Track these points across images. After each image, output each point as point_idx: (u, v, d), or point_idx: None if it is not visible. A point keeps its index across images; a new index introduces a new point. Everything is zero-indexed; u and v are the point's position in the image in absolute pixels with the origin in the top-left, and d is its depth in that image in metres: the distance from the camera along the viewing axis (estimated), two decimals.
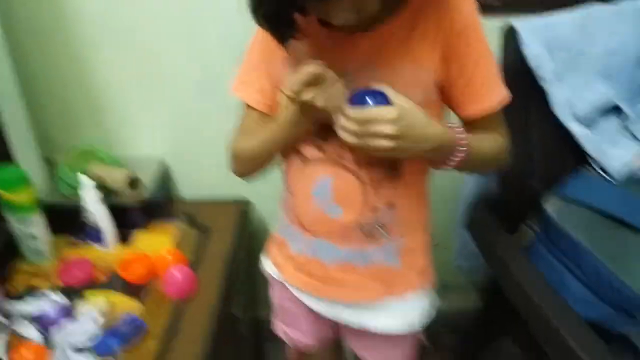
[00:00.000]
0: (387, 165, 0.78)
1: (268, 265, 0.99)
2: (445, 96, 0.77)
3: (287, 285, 0.94)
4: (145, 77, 1.29)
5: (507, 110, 1.06)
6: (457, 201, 1.33)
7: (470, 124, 0.78)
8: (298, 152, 0.82)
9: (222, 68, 1.21)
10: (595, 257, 0.92)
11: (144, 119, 1.36)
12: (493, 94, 0.76)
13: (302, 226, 0.85)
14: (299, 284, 0.92)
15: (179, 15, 1.22)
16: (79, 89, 1.30)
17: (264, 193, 1.40)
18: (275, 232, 0.97)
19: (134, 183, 1.23)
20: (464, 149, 0.72)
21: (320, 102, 0.69)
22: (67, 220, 1.20)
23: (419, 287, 0.89)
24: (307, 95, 0.69)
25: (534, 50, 1.03)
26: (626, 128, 1.06)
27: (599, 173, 1.05)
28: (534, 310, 0.93)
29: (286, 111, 0.75)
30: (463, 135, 0.72)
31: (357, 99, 0.68)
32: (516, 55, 1.04)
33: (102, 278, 1.10)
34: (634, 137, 1.06)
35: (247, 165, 0.87)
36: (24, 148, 1.22)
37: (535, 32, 1.04)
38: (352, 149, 0.74)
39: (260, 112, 0.84)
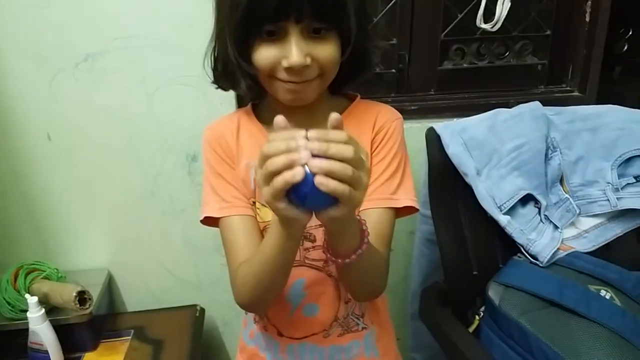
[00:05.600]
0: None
1: None
2: None
3: None
4: (83, 185, 1.30)
5: (439, 205, 1.18)
6: (405, 295, 1.39)
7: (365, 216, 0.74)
8: None
9: (161, 168, 1.28)
10: (541, 341, 0.94)
11: (85, 229, 1.34)
12: (394, 193, 0.77)
13: (279, 332, 0.85)
14: None
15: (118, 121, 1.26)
16: (16, 200, 1.29)
17: (214, 298, 1.40)
18: (242, 343, 0.94)
19: (83, 299, 1.17)
20: (366, 241, 0.66)
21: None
22: (8, 345, 1.14)
23: None
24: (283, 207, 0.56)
25: (455, 149, 1.15)
26: (543, 214, 1.17)
27: (529, 258, 1.12)
28: None
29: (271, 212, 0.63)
30: (368, 231, 0.67)
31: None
32: (440, 154, 1.16)
33: None
34: (551, 222, 1.16)
35: (256, 291, 0.74)
36: None
37: (453, 134, 1.17)
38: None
39: (240, 216, 0.78)
